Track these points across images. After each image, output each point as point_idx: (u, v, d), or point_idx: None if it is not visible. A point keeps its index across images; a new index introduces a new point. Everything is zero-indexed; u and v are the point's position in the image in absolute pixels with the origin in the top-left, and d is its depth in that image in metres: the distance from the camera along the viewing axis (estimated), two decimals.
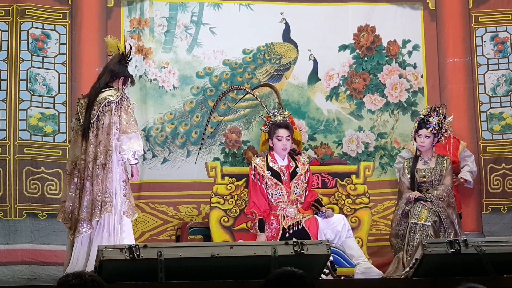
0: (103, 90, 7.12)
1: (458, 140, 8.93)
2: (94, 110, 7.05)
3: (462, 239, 5.96)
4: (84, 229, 6.87)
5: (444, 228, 7.82)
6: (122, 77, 7.20)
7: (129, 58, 7.36)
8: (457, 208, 8.11)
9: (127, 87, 7.28)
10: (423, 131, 8.05)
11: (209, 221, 8.17)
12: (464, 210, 8.87)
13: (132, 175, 7.20)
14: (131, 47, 7.40)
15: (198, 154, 9.01)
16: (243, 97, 9.10)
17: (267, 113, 8.27)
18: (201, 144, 9.03)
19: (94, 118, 7.04)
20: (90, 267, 6.44)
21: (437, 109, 8.10)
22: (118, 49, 7.27)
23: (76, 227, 6.92)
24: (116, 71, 7.21)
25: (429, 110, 8.13)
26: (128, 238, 6.95)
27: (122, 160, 7.06)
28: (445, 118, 8.09)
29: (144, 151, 8.97)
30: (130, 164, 7.14)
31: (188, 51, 9.31)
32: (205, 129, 8.95)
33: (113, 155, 6.97)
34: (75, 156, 7.09)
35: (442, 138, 8.10)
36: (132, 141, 7.01)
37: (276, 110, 8.14)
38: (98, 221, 6.88)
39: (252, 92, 8.98)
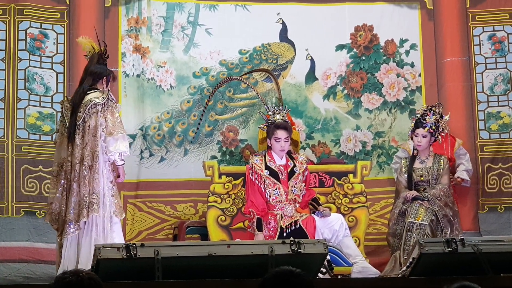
0: (88, 92, 7.10)
1: (454, 138, 8.92)
2: (80, 112, 7.01)
3: (459, 238, 5.97)
4: (71, 230, 6.86)
5: (441, 227, 7.82)
6: (105, 77, 7.20)
7: (106, 55, 7.32)
8: None
9: (111, 84, 7.29)
10: (419, 131, 8.04)
11: (206, 220, 8.16)
12: (461, 209, 8.84)
13: (118, 176, 7.20)
14: (105, 44, 7.35)
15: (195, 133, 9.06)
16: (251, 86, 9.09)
17: (266, 110, 8.26)
18: (195, 133, 9.04)
19: (80, 120, 7.00)
20: (81, 268, 6.42)
21: (434, 108, 8.10)
22: (94, 48, 7.24)
23: (63, 228, 6.92)
24: (98, 72, 7.17)
25: (425, 109, 8.13)
26: (118, 237, 6.97)
27: (109, 161, 7.06)
28: (441, 117, 8.08)
29: (141, 149, 9.02)
30: (116, 165, 7.14)
31: (185, 51, 9.31)
32: (200, 119, 8.96)
33: (100, 157, 6.96)
34: (61, 158, 7.07)
35: (439, 137, 8.11)
36: (118, 143, 7.00)
37: (275, 107, 8.13)
38: (85, 221, 6.88)
39: (253, 87, 9.00)
